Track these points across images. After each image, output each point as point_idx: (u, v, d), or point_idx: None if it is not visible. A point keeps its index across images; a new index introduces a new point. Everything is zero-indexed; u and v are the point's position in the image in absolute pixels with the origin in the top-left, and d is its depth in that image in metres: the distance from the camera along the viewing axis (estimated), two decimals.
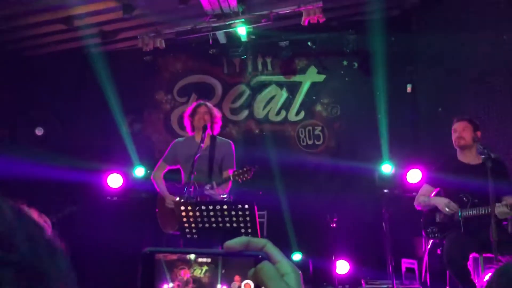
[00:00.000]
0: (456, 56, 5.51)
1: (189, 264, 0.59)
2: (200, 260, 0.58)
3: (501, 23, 4.77)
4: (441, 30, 5.80)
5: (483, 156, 3.55)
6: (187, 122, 4.44)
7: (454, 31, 5.50)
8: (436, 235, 3.95)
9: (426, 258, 4.39)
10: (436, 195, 4.09)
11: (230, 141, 4.41)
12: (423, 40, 6.11)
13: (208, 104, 4.49)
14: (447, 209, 3.78)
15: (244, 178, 3.94)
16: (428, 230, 4.01)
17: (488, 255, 3.52)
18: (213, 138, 4.35)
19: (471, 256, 3.70)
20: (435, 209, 3.97)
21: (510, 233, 3.67)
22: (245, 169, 3.93)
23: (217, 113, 4.45)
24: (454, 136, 3.98)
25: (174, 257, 0.59)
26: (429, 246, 4.16)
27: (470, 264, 3.62)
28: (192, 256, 0.59)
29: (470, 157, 3.95)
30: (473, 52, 5.17)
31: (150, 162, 6.29)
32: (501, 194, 3.70)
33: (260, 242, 0.59)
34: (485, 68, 5.04)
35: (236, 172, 3.97)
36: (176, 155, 4.40)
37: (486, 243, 3.46)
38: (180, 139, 4.59)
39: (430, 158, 5.67)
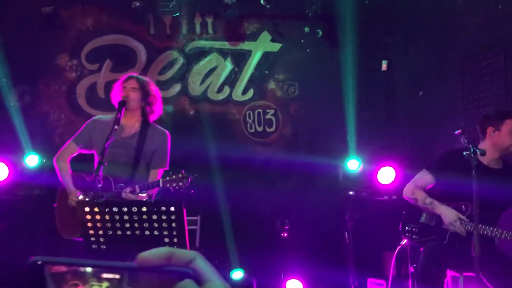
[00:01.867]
0: (446, 24, 5.68)
1: (83, 279, 0.57)
2: (105, 275, 0.57)
3: None
4: None
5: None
6: (115, 99, 4.31)
7: None
8: (414, 236, 4.10)
9: (392, 269, 4.57)
10: (429, 192, 4.18)
11: (166, 131, 4.39)
12: (405, 4, 6.28)
13: (142, 78, 4.42)
14: (451, 227, 3.91)
15: (177, 187, 3.92)
16: (406, 228, 4.15)
17: (470, 273, 3.71)
18: (145, 124, 4.31)
19: (450, 274, 3.88)
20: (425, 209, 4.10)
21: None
22: (180, 175, 3.92)
23: (154, 91, 4.37)
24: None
25: (63, 268, 0.57)
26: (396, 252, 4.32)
27: (448, 282, 3.79)
28: (88, 269, 0.57)
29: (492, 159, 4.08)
30: (468, 20, 5.30)
31: (48, 148, 6.15)
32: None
33: (187, 255, 0.58)
34: (483, 41, 5.17)
35: (168, 178, 3.96)
36: (91, 136, 4.32)
37: (469, 260, 3.65)
38: (102, 116, 4.52)
39: (407, 154, 5.88)
